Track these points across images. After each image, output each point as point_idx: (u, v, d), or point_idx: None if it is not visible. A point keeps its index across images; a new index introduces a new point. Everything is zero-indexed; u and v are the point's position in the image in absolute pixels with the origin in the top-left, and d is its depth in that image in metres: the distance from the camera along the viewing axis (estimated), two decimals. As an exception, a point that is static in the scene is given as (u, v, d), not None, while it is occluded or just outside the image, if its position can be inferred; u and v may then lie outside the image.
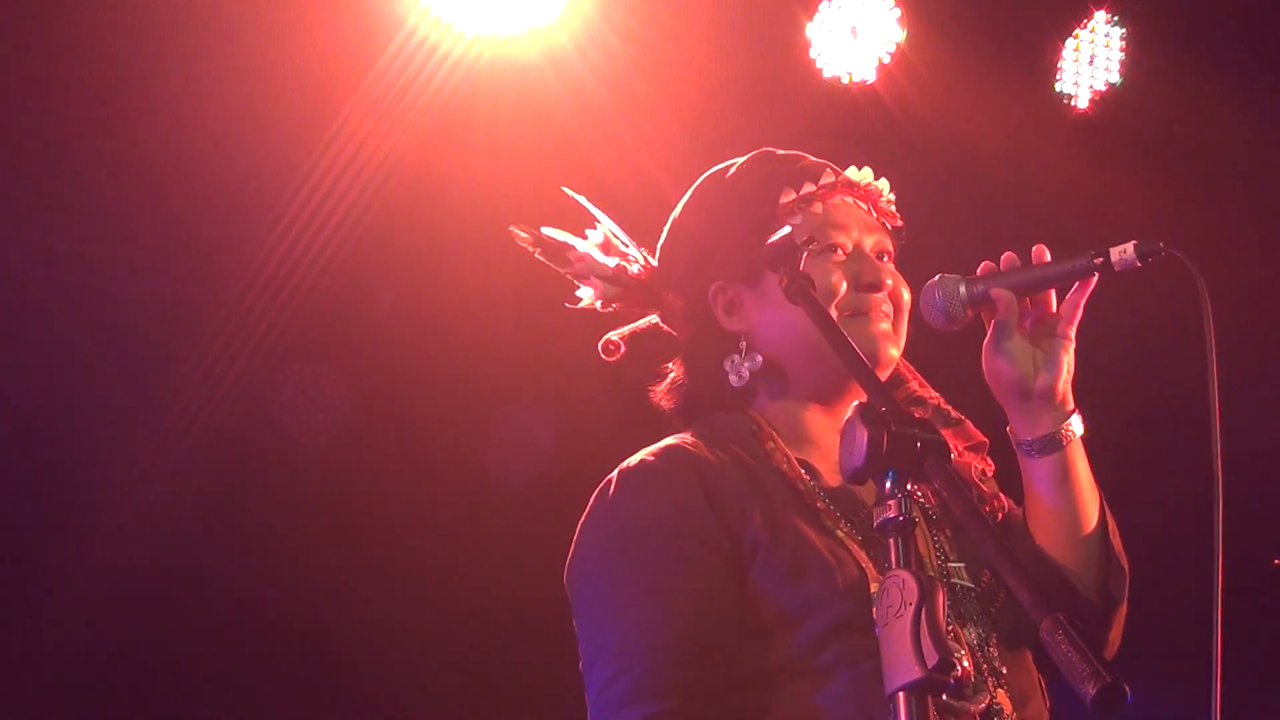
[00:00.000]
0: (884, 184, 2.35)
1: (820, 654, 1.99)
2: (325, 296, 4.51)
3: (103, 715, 5.01)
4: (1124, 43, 4.64)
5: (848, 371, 1.95)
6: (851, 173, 2.33)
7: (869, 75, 4.45)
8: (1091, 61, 4.65)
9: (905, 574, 1.63)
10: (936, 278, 2.18)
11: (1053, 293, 2.16)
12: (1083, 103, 4.67)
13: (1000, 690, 2.06)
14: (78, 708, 4.98)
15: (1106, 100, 4.67)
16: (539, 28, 4.13)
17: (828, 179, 2.28)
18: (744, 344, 2.23)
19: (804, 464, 2.16)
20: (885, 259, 2.31)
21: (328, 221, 4.33)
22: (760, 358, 2.21)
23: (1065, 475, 2.15)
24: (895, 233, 2.35)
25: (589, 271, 2.41)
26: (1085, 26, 4.63)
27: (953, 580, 2.13)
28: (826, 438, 2.21)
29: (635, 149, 4.33)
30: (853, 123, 4.47)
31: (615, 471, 2.20)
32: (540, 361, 4.84)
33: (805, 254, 2.06)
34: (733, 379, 2.22)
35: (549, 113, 4.25)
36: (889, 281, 2.27)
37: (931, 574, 2.08)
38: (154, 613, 4.87)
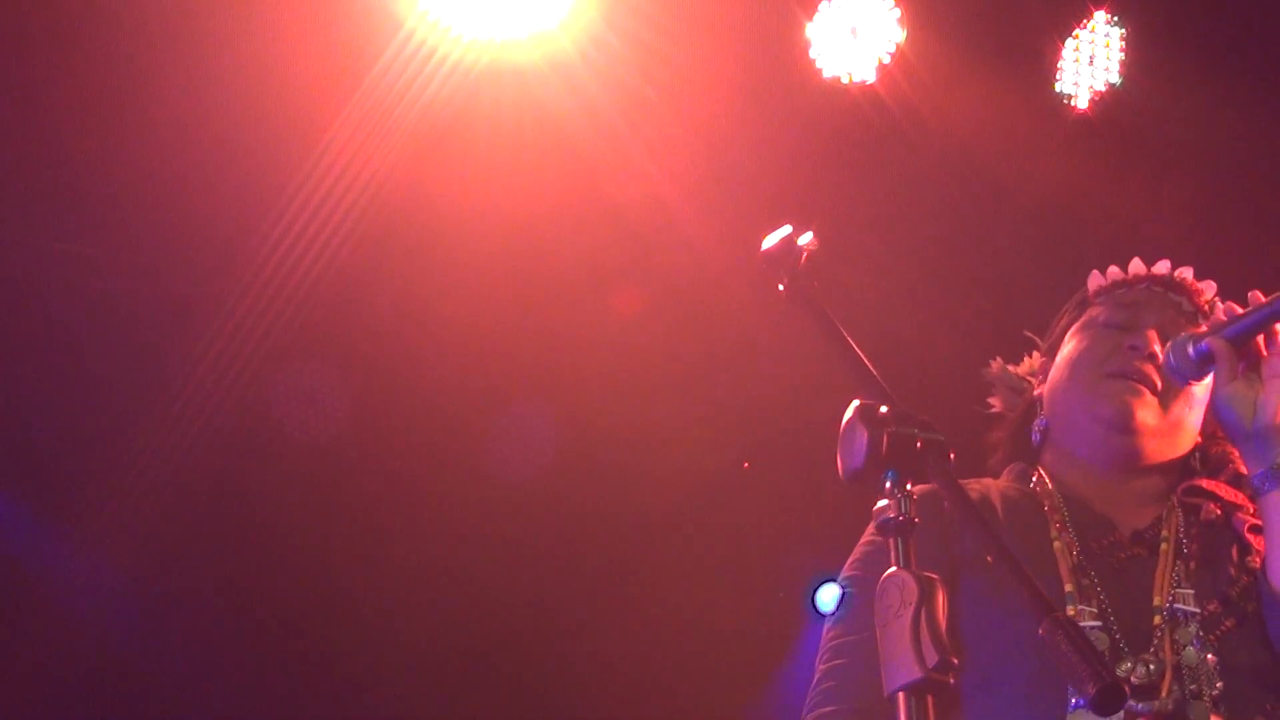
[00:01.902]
0: (1206, 286, 2.50)
1: (1006, 659, 2.14)
2: (325, 297, 4.51)
3: (103, 714, 5.01)
4: (1124, 43, 4.63)
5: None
6: (1159, 267, 2.51)
7: (869, 75, 4.44)
8: (1091, 61, 4.65)
9: (905, 574, 1.63)
10: (1170, 341, 2.33)
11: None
12: (1082, 103, 4.67)
13: (1213, 712, 2.14)
14: (78, 706, 4.98)
15: (1106, 100, 4.66)
16: (542, 32, 4.13)
17: (1135, 268, 2.50)
18: (1039, 408, 2.48)
19: (1076, 496, 2.34)
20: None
21: (327, 223, 4.34)
22: (1044, 423, 2.45)
23: None
24: (1215, 325, 2.43)
25: (999, 381, 2.66)
26: (1085, 26, 4.62)
27: (1176, 606, 2.22)
28: (1109, 488, 2.38)
29: (636, 150, 4.34)
30: (853, 123, 4.47)
31: None
32: (539, 362, 4.84)
33: (805, 254, 2.06)
34: (1034, 436, 2.47)
35: (551, 116, 4.25)
36: (1157, 350, 2.38)
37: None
38: (153, 611, 4.87)
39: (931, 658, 1.55)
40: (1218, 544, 2.33)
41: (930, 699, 1.58)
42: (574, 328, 4.78)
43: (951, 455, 1.72)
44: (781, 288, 2.03)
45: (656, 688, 5.33)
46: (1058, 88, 4.65)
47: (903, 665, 1.57)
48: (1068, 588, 2.21)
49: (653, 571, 5.20)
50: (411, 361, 4.81)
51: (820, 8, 4.42)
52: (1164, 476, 2.41)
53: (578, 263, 4.62)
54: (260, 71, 4.00)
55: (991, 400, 2.66)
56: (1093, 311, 2.48)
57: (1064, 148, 4.66)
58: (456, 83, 4.13)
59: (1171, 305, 2.46)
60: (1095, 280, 2.52)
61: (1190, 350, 2.28)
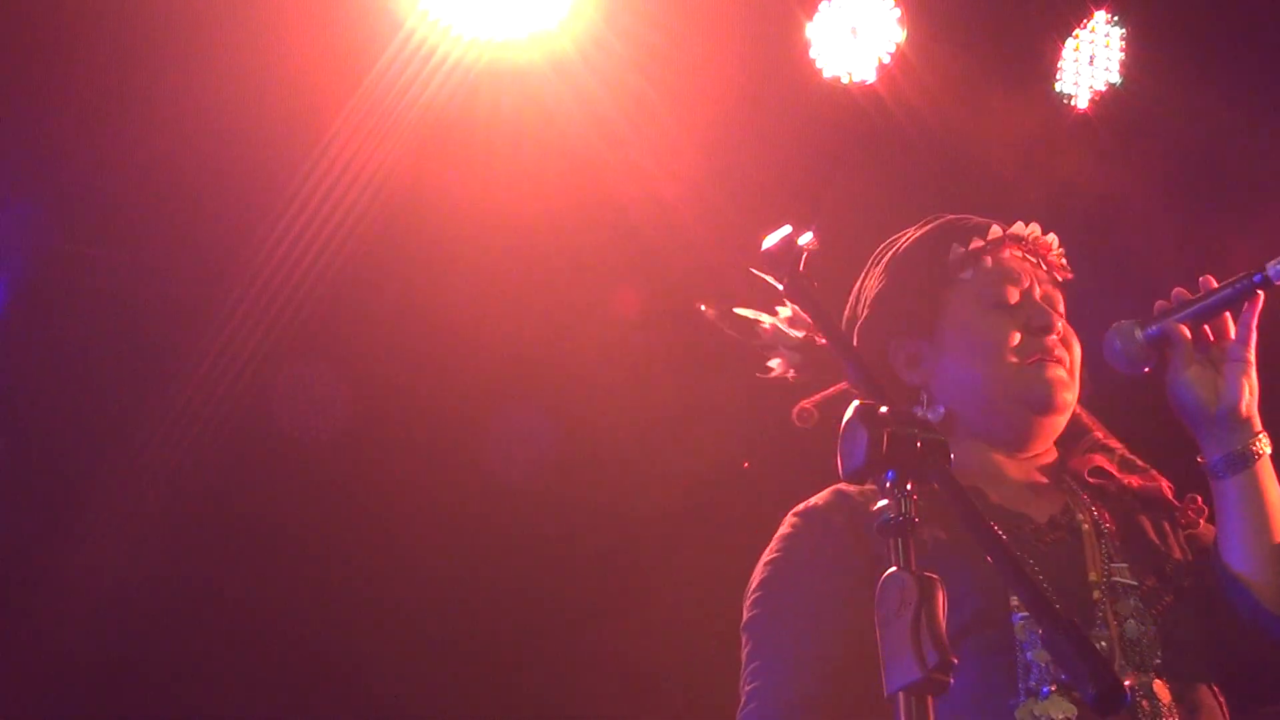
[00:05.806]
0: (1053, 238, 2.46)
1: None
2: (326, 297, 4.51)
3: (103, 715, 5.00)
4: (1124, 43, 4.64)
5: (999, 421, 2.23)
6: (1018, 228, 2.45)
7: (869, 75, 4.44)
8: (1091, 61, 4.65)
9: (905, 574, 1.63)
10: (1113, 326, 2.29)
11: (1229, 318, 2.25)
12: (1083, 103, 4.67)
13: (1157, 679, 2.15)
14: (78, 708, 4.98)
15: (1106, 100, 4.67)
16: (542, 32, 4.13)
17: (995, 234, 2.42)
18: (925, 396, 2.37)
19: (974, 489, 2.23)
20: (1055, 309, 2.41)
21: (327, 223, 4.34)
22: (942, 409, 2.35)
23: (1255, 493, 2.22)
24: (1065, 285, 2.45)
25: (777, 342, 2.51)
26: (1085, 26, 4.63)
27: (1114, 579, 2.22)
28: (1007, 478, 2.34)
29: (636, 150, 4.33)
30: (853, 123, 4.47)
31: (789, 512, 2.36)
32: (540, 362, 4.84)
33: (805, 254, 2.06)
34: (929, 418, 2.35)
35: (551, 116, 4.26)
36: (1060, 325, 2.36)
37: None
38: (153, 612, 4.87)
39: (932, 658, 1.56)
40: (1130, 518, 2.34)
41: (930, 699, 1.58)
42: (574, 328, 4.78)
43: (951, 455, 1.72)
44: (781, 287, 2.04)
45: (656, 687, 5.33)
46: (1058, 88, 4.65)
47: (903, 665, 1.57)
48: None
49: (653, 571, 5.20)
50: (411, 361, 4.81)
51: (820, 8, 4.42)
52: (1054, 451, 2.42)
53: (578, 262, 4.62)
54: (260, 72, 4.00)
55: (773, 364, 2.51)
56: (966, 284, 2.40)
57: (1064, 148, 4.66)
58: (456, 82, 4.13)
59: (1034, 268, 2.43)
60: (954, 250, 2.44)
61: (1140, 335, 2.26)
